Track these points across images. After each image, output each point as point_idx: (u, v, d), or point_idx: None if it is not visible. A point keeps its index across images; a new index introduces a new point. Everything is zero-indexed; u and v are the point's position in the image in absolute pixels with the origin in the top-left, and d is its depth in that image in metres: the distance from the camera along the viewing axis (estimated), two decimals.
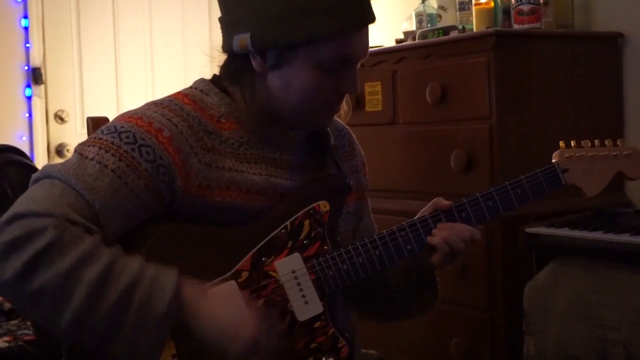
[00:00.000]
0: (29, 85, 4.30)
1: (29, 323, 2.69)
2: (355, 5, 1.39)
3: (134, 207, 1.33)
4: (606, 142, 1.58)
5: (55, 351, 1.30)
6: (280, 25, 1.38)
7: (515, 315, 2.36)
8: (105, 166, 1.31)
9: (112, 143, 1.34)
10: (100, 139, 1.36)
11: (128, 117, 1.39)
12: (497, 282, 2.44)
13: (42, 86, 4.32)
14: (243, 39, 1.40)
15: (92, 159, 1.32)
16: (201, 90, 1.46)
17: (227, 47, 1.46)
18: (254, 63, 1.42)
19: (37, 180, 1.33)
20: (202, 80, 1.50)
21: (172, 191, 1.36)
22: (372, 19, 1.43)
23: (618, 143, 1.59)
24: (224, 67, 1.49)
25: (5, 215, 1.26)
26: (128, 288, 1.23)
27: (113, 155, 1.33)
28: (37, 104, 4.31)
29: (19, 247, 1.22)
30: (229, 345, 1.28)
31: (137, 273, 1.25)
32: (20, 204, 1.27)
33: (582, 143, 1.57)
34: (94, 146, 1.35)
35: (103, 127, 1.39)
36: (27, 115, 4.30)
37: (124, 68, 4.54)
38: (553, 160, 1.55)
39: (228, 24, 1.44)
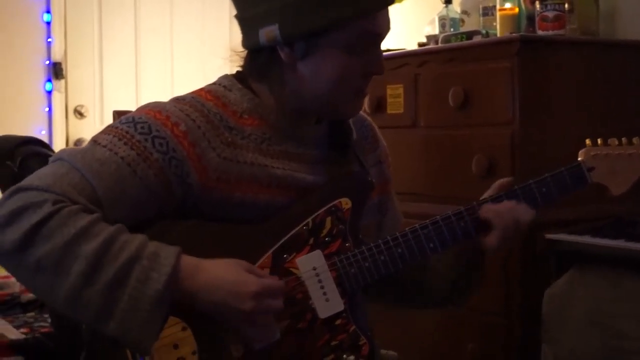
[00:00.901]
0: (49, 80, 4.32)
1: (45, 315, 2.71)
2: None
3: (141, 196, 1.34)
4: (634, 140, 1.55)
5: (72, 344, 1.30)
6: (307, 13, 1.38)
7: (531, 322, 2.35)
8: (115, 153, 1.33)
9: (127, 132, 1.36)
10: (116, 127, 1.38)
11: (148, 109, 1.41)
12: (514, 288, 2.43)
13: (63, 81, 4.35)
14: (270, 31, 1.41)
15: (105, 146, 1.34)
16: (224, 87, 1.47)
17: (250, 42, 1.46)
18: (282, 55, 1.42)
19: (49, 164, 1.36)
20: (225, 76, 1.51)
21: (186, 185, 1.36)
22: None
23: None
24: (249, 64, 1.49)
25: (10, 188, 1.29)
26: (125, 265, 1.24)
27: (125, 144, 1.34)
28: (57, 99, 4.34)
29: (17, 219, 1.25)
30: (235, 306, 1.28)
31: (136, 250, 1.25)
32: (26, 179, 1.30)
33: (609, 141, 1.54)
34: (108, 134, 1.37)
35: (122, 117, 1.41)
36: (46, 109, 4.33)
37: (143, 65, 4.56)
38: (579, 159, 1.52)
39: (251, 19, 1.44)
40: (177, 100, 1.43)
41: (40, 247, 1.23)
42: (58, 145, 4.22)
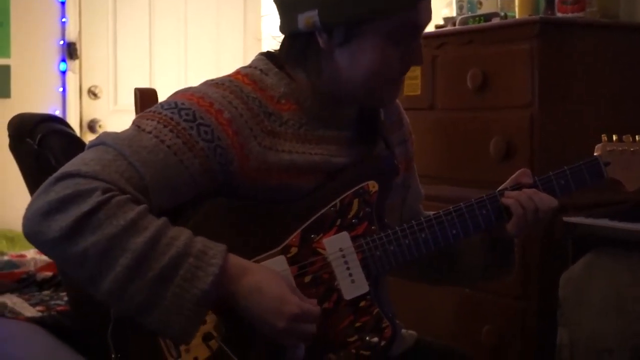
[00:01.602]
0: (63, 60, 4.32)
1: (62, 294, 2.71)
2: None
3: (185, 184, 1.33)
4: None
5: (88, 323, 1.30)
6: (349, 0, 1.37)
7: (548, 306, 2.35)
8: (162, 141, 1.31)
9: (171, 119, 1.34)
10: (160, 113, 1.35)
11: (190, 94, 1.38)
12: (532, 271, 2.42)
13: (77, 61, 4.35)
14: (310, 17, 1.39)
15: (150, 132, 1.32)
16: (261, 70, 1.45)
17: (289, 27, 1.44)
18: (320, 41, 1.41)
19: (91, 147, 1.33)
20: (261, 58, 1.48)
21: (228, 173, 1.35)
22: None
23: None
24: (285, 49, 1.47)
25: (56, 173, 1.26)
26: (172, 262, 1.23)
27: (171, 131, 1.32)
28: (71, 79, 4.34)
29: (66, 207, 1.22)
30: (271, 321, 1.27)
31: (184, 247, 1.24)
32: (72, 165, 1.27)
33: (624, 138, 1.57)
34: (152, 120, 1.34)
35: (163, 102, 1.39)
36: (60, 89, 4.33)
37: (157, 45, 4.56)
38: (595, 154, 1.56)
39: (290, 4, 1.42)
40: (216, 85, 1.41)
41: (89, 237, 1.21)
42: (72, 125, 4.19)
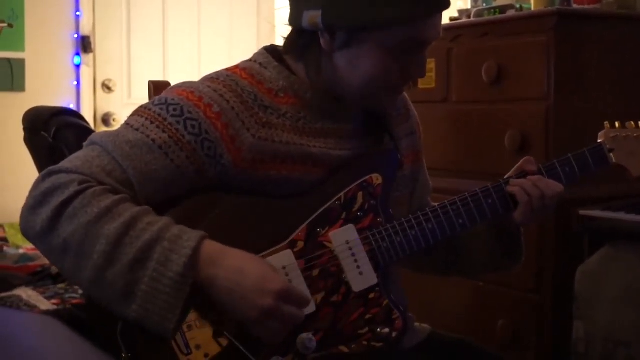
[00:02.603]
0: (77, 54, 4.33)
1: (76, 287, 2.72)
2: None
3: (173, 177, 1.33)
4: None
5: (103, 316, 1.30)
6: (353, 5, 1.35)
7: (564, 299, 2.34)
8: (147, 136, 1.33)
9: (159, 115, 1.35)
10: (149, 110, 1.37)
11: (181, 90, 1.40)
12: (547, 265, 2.41)
13: (91, 55, 4.36)
14: (314, 16, 1.38)
15: (137, 129, 1.34)
16: (260, 64, 1.46)
17: (295, 21, 1.44)
18: (322, 41, 1.40)
19: (84, 148, 1.37)
20: (261, 52, 1.49)
21: (220, 166, 1.36)
22: (447, 4, 1.41)
23: None
24: (290, 42, 1.47)
25: (43, 172, 1.31)
26: (146, 246, 1.23)
27: (157, 127, 1.34)
28: (85, 73, 4.34)
29: (47, 199, 1.27)
30: (254, 300, 1.25)
31: (158, 232, 1.24)
32: (58, 164, 1.32)
33: (627, 124, 1.57)
34: (141, 117, 1.37)
35: (155, 98, 1.40)
36: (75, 83, 4.34)
37: (171, 39, 4.55)
38: (599, 140, 1.56)
39: None
40: (211, 79, 1.42)
41: (66, 227, 1.24)
42: (86, 118, 4.22)
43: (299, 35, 1.44)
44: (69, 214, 1.24)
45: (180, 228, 1.27)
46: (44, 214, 1.25)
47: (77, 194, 1.25)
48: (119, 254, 1.23)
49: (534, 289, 2.45)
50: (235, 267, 1.27)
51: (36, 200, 1.27)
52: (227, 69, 1.46)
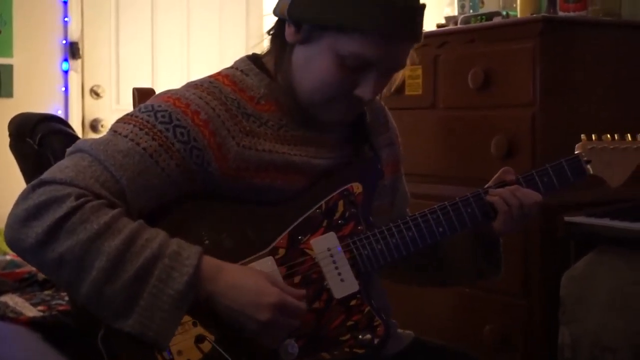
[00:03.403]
0: (66, 59, 4.32)
1: (63, 293, 2.71)
2: (398, 14, 1.35)
3: (163, 186, 1.33)
4: (627, 137, 1.62)
5: (90, 323, 1.30)
6: (318, 2, 1.36)
7: (550, 304, 2.35)
8: (137, 144, 1.32)
9: (147, 122, 1.35)
10: (137, 117, 1.36)
11: (167, 96, 1.39)
12: (533, 270, 2.42)
13: (79, 61, 4.35)
14: (285, 4, 1.40)
15: (126, 137, 1.33)
16: (242, 71, 1.46)
17: (275, 9, 1.46)
18: (286, 31, 1.41)
19: (69, 155, 1.35)
20: (243, 59, 1.50)
21: (207, 173, 1.36)
22: (410, 35, 1.38)
23: (637, 137, 1.63)
24: (271, 28, 1.49)
25: (33, 182, 1.28)
26: (147, 263, 1.24)
27: (147, 134, 1.33)
28: (74, 78, 4.34)
29: (41, 213, 1.24)
30: (252, 315, 1.27)
31: (159, 248, 1.25)
32: (48, 172, 1.29)
33: (602, 137, 1.61)
34: (129, 124, 1.35)
35: (141, 105, 1.40)
36: (63, 89, 4.33)
37: (160, 45, 4.55)
38: (576, 152, 1.59)
39: None
40: (195, 86, 1.42)
41: (64, 242, 1.23)
42: (74, 125, 4.20)
43: (278, 23, 1.46)
44: (67, 229, 1.23)
45: (177, 243, 1.28)
46: (38, 227, 1.24)
47: (75, 209, 1.23)
48: (119, 271, 1.23)
49: (521, 294, 2.46)
50: (231, 283, 1.29)
51: (29, 213, 1.25)
52: (210, 76, 1.46)
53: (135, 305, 1.23)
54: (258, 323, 1.28)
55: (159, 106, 1.37)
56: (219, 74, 1.47)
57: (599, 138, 1.61)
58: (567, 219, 2.31)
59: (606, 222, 2.25)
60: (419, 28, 1.40)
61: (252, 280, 1.30)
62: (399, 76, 1.48)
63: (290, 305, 1.30)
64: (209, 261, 1.29)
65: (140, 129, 1.34)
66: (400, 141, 1.68)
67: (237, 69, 1.47)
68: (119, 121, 1.38)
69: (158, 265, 1.24)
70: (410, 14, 1.37)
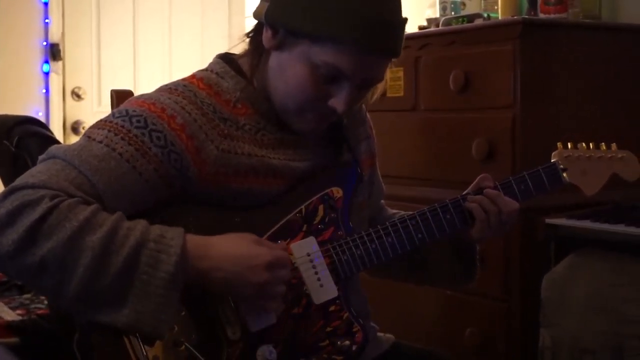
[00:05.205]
0: (46, 61, 4.29)
1: (42, 297, 2.70)
2: (375, 27, 1.33)
3: (141, 191, 1.31)
4: (601, 146, 1.66)
5: (68, 326, 1.29)
6: (294, 7, 1.35)
7: (531, 307, 2.35)
8: (113, 149, 1.29)
9: (122, 126, 1.32)
10: (111, 122, 1.33)
11: (141, 101, 1.36)
12: (514, 273, 2.42)
13: (60, 62, 4.32)
14: (262, 7, 1.39)
15: (100, 142, 1.30)
16: (217, 73, 1.44)
17: (255, 11, 1.44)
18: (264, 35, 1.40)
19: (41, 161, 1.32)
20: (217, 61, 1.47)
21: (186, 178, 1.34)
22: (385, 49, 1.36)
23: (612, 147, 1.66)
24: (250, 31, 1.47)
25: (4, 190, 1.25)
26: (133, 252, 1.21)
27: (122, 139, 1.30)
28: (55, 80, 4.31)
29: (15, 219, 1.20)
30: (250, 279, 1.28)
31: (142, 235, 1.23)
32: (20, 179, 1.25)
33: (578, 145, 1.63)
34: (103, 129, 1.32)
35: (114, 111, 1.37)
36: (44, 91, 4.30)
37: (141, 46, 4.53)
38: (552, 160, 1.60)
39: None
40: (169, 90, 1.39)
41: (43, 244, 1.19)
42: (55, 127, 4.19)
43: (257, 25, 1.45)
44: (45, 231, 1.19)
45: (159, 227, 1.26)
46: (13, 234, 1.19)
47: (51, 209, 1.20)
48: (106, 265, 1.20)
49: (501, 297, 2.46)
50: (222, 255, 1.28)
51: (1, 222, 1.21)
52: (184, 79, 1.43)
53: (127, 295, 1.21)
54: (256, 286, 1.28)
55: (134, 111, 1.34)
56: (193, 76, 1.44)
57: (574, 147, 1.63)
58: (548, 221, 2.32)
59: (587, 224, 2.25)
60: (396, 42, 1.37)
61: (241, 247, 1.30)
62: (378, 89, 1.47)
63: (280, 259, 1.31)
64: (194, 239, 1.27)
65: (116, 134, 1.31)
66: (374, 134, 1.67)
67: (211, 71, 1.45)
68: (92, 127, 1.35)
69: (144, 252, 1.22)
70: (388, 27, 1.35)
